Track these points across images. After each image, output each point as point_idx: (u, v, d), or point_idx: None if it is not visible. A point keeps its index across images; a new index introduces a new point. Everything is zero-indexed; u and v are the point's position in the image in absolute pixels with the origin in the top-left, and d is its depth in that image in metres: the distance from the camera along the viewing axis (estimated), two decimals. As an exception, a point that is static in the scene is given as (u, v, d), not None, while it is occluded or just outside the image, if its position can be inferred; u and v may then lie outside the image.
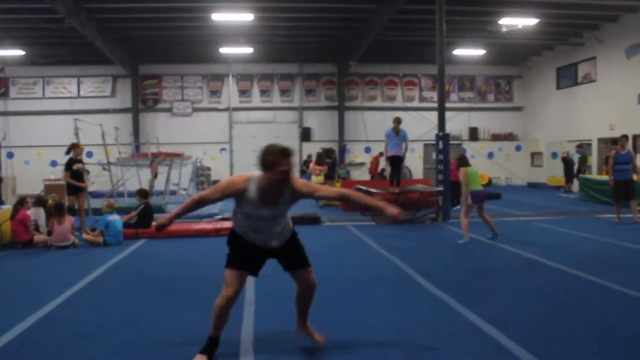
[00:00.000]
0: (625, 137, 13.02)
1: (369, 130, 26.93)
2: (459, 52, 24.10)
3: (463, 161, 10.16)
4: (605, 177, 18.83)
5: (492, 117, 28.49)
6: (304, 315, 4.71)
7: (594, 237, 10.51)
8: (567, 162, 22.09)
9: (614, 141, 21.29)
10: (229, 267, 4.36)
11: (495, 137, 28.59)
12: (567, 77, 24.84)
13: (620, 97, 20.81)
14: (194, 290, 6.65)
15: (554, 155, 25.03)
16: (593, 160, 22.77)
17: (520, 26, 19.90)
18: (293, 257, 4.52)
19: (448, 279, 7.18)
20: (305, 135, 27.04)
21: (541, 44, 24.88)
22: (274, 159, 4.02)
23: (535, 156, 27.89)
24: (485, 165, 26.94)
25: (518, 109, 28.80)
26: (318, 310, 4.94)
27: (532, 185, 26.44)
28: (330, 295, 6.17)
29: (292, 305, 4.71)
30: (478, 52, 24.39)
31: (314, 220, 12.83)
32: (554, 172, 24.87)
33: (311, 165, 19.63)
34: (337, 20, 20.70)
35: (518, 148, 28.52)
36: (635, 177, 12.80)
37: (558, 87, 25.62)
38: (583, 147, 22.41)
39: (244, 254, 4.39)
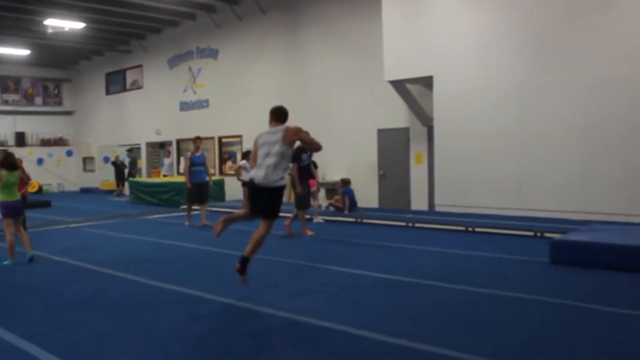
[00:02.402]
0: (199, 138, 13.10)
1: None
2: (0, 50, 22.33)
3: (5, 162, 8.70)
4: (153, 180, 19.90)
5: (40, 121, 27.28)
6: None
7: (139, 237, 11.01)
8: (117, 166, 22.63)
9: (162, 145, 22.70)
10: None
11: (45, 143, 27.46)
12: (117, 83, 25.39)
13: (164, 103, 22.24)
14: None
15: (106, 159, 25.31)
16: (143, 163, 23.81)
17: (67, 29, 19.50)
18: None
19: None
20: None
21: (90, 49, 24.84)
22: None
23: (87, 161, 27.73)
24: (35, 171, 25.55)
25: (68, 113, 28.24)
26: None
27: (85, 191, 26.21)
28: None
29: None
30: (23, 52, 22.96)
31: None
32: (106, 176, 25.16)
33: None
34: None
35: (69, 153, 27.92)
36: (208, 179, 12.91)
37: (108, 93, 26.00)
38: (133, 151, 23.24)
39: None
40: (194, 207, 12.93)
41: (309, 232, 10.84)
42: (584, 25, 10.85)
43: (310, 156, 11.09)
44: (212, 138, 20.26)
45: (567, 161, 11.14)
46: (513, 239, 9.74)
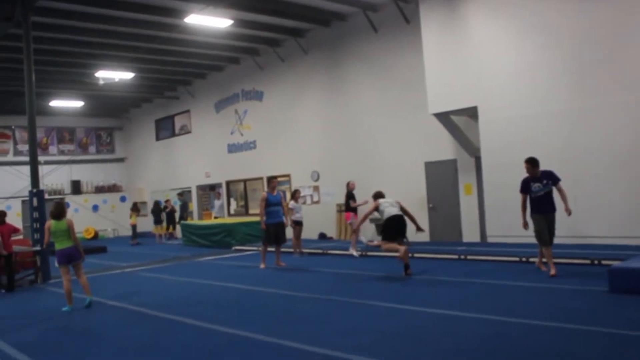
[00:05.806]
0: (274, 178, 12.83)
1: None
2: (56, 103, 23.27)
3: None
4: (205, 222, 20.14)
5: (94, 169, 28.15)
6: None
7: (193, 280, 11.13)
8: (167, 210, 23.00)
9: (212, 187, 23.04)
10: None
11: (99, 189, 28.24)
12: (166, 129, 26.05)
13: (213, 146, 22.67)
14: None
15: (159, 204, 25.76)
16: (194, 206, 24.18)
17: (117, 79, 20.20)
18: None
19: (44, 346, 6.74)
20: None
21: (140, 97, 25.65)
22: None
23: (140, 206, 28.27)
24: (90, 218, 26.41)
25: (121, 160, 29.07)
26: None
27: (139, 235, 26.64)
28: None
29: None
30: (77, 103, 23.89)
31: None
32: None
33: None
34: None
35: (123, 199, 28.59)
36: (285, 218, 12.75)
37: (158, 138, 26.67)
38: (184, 195, 23.65)
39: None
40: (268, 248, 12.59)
41: (552, 271, 8.90)
42: (628, 44, 10.67)
43: (546, 185, 9.18)
44: (261, 178, 20.48)
45: (620, 184, 10.85)
46: (569, 267, 9.46)
